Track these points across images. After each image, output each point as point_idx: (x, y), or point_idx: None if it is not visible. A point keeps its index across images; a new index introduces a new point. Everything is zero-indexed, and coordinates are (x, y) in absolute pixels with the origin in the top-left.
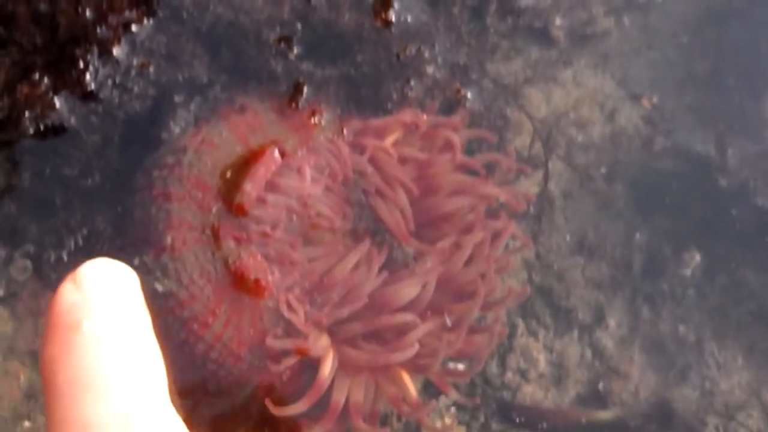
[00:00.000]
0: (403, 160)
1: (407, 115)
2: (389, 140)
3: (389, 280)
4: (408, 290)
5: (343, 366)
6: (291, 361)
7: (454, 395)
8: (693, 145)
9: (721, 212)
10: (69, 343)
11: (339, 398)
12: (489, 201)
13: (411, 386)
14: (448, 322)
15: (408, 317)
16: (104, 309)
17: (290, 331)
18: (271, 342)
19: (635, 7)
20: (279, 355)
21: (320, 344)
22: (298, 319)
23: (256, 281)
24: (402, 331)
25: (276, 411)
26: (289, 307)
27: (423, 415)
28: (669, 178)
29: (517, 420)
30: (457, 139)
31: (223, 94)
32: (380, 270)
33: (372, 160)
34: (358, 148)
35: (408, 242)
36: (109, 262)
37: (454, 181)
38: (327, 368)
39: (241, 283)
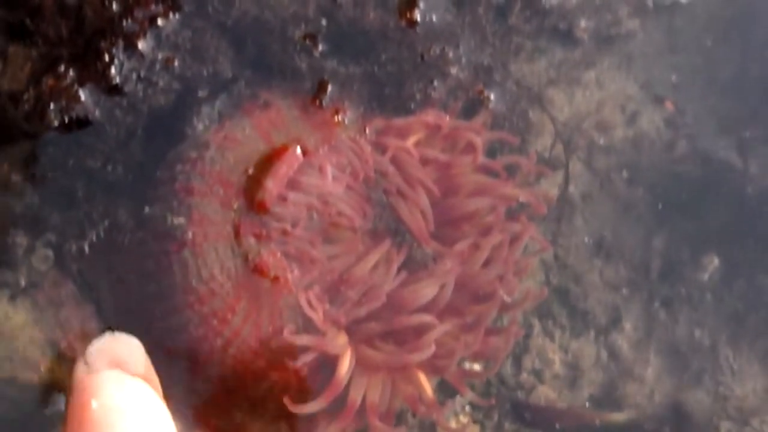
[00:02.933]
0: (424, 161)
1: (430, 116)
2: (411, 141)
3: (408, 281)
4: (426, 291)
5: (361, 365)
6: (308, 357)
7: (469, 395)
8: (715, 150)
9: (742, 218)
10: (82, 421)
11: (356, 396)
12: (509, 202)
13: (427, 386)
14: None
15: (426, 318)
16: (111, 387)
17: (308, 328)
18: (289, 337)
19: (660, 9)
20: (296, 351)
21: (338, 342)
22: (318, 317)
23: (275, 278)
24: (419, 331)
25: (293, 408)
26: (310, 304)
27: (439, 415)
28: (690, 182)
29: (531, 420)
30: (478, 141)
31: (247, 89)
32: (399, 270)
33: (394, 160)
34: (380, 148)
35: (428, 243)
36: (114, 339)
37: (474, 182)
38: (344, 367)
39: (260, 280)
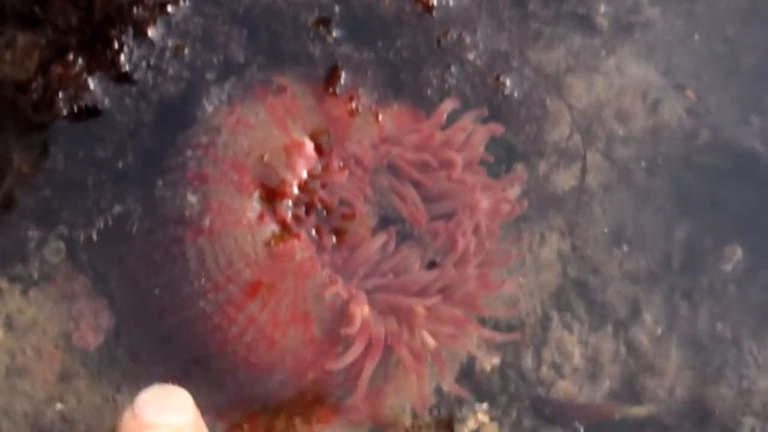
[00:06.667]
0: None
1: (443, 110)
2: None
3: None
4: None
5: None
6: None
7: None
8: (737, 139)
9: (766, 207)
10: None
11: (379, 332)
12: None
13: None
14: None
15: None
16: None
17: (331, 317)
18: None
19: None
20: (312, 337)
21: (358, 295)
22: (339, 288)
23: (301, 263)
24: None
25: (332, 365)
26: (331, 279)
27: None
28: (712, 171)
29: (550, 415)
30: (458, 159)
31: (259, 74)
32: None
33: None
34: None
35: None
36: (162, 389)
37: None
38: (366, 310)
39: (282, 266)
